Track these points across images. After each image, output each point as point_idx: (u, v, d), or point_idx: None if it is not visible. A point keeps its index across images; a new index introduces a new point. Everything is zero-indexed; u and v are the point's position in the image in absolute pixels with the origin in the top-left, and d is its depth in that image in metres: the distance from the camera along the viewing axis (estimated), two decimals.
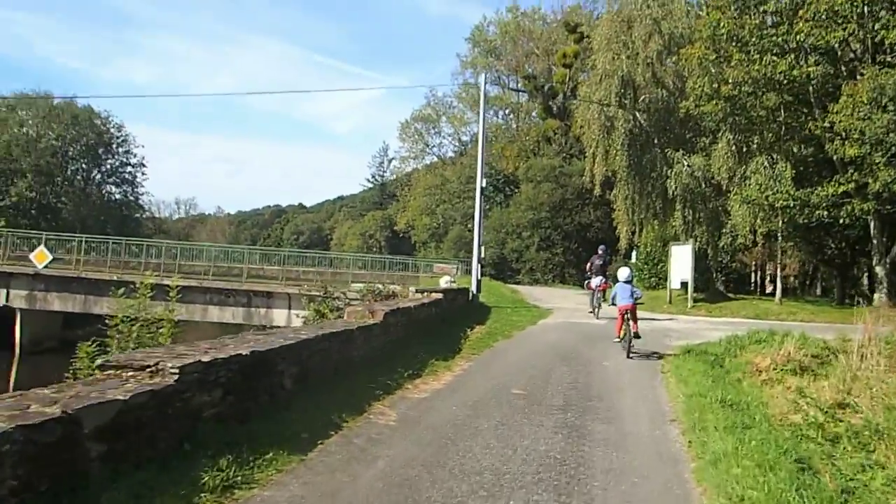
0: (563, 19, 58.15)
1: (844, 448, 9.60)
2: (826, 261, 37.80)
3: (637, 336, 15.06)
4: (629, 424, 8.65)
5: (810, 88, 27.32)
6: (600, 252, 24.76)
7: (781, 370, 13.86)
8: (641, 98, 31.19)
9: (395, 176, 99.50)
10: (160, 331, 15.58)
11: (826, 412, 10.90)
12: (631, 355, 14.52)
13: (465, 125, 68.92)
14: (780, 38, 26.55)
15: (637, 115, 30.91)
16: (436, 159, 74.71)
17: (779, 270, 29.73)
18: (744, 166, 28.97)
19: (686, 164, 29.57)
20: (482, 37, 65.42)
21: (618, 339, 15.57)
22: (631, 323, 14.94)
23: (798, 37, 25.47)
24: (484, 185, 23.19)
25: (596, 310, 23.03)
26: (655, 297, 34.05)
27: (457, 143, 71.56)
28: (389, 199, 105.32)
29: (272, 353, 7.71)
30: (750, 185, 28.09)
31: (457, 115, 68.19)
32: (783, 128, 28.77)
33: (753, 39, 26.81)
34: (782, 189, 27.21)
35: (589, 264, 24.15)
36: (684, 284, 30.80)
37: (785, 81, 26.69)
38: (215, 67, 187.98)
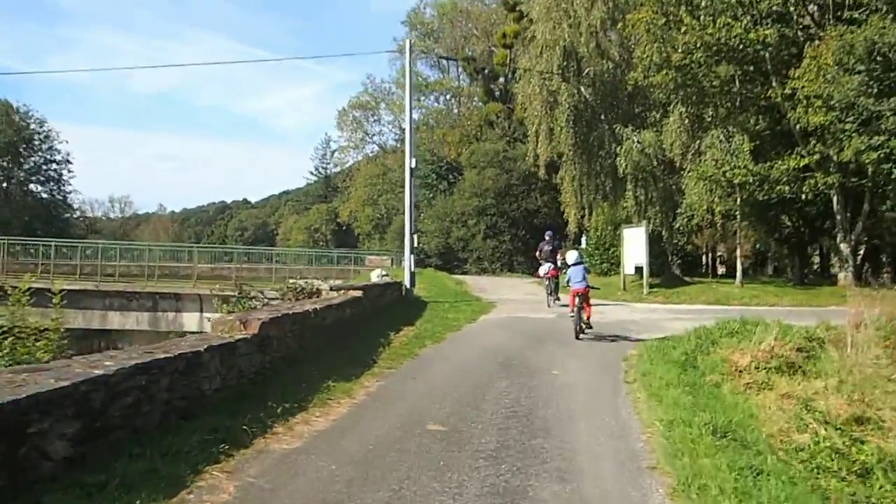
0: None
1: (881, 486, 7.01)
2: (782, 240, 35.95)
3: (589, 326, 14.63)
4: (590, 481, 5.81)
5: (767, 55, 25.08)
6: (547, 238, 22.90)
7: (765, 369, 11.36)
8: (586, 71, 28.62)
9: (338, 168, 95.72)
10: (38, 343, 13.11)
11: (842, 431, 8.31)
12: (581, 337, 14.20)
13: (404, 111, 65.55)
14: (733, 1, 24.19)
15: (582, 89, 28.34)
16: (377, 148, 71.47)
17: (739, 252, 27.45)
18: (698, 141, 26.66)
19: (636, 140, 27.08)
20: (419, 19, 62.30)
21: (571, 314, 14.70)
22: (584, 305, 14.53)
23: None
24: (413, 164, 20.27)
25: (548, 298, 20.50)
26: (608, 283, 31.54)
27: (397, 131, 68.34)
28: (334, 191, 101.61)
29: (25, 407, 4.72)
30: (705, 160, 25.80)
31: (396, 102, 64.88)
32: (738, 99, 26.54)
33: (705, 2, 24.42)
34: (740, 164, 24.98)
35: (538, 251, 22.49)
36: (639, 270, 28.35)
37: (740, 47, 24.38)
38: (155, 63, 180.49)
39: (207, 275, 31.45)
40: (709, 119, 26.54)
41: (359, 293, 13.83)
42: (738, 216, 27.21)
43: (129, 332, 25.22)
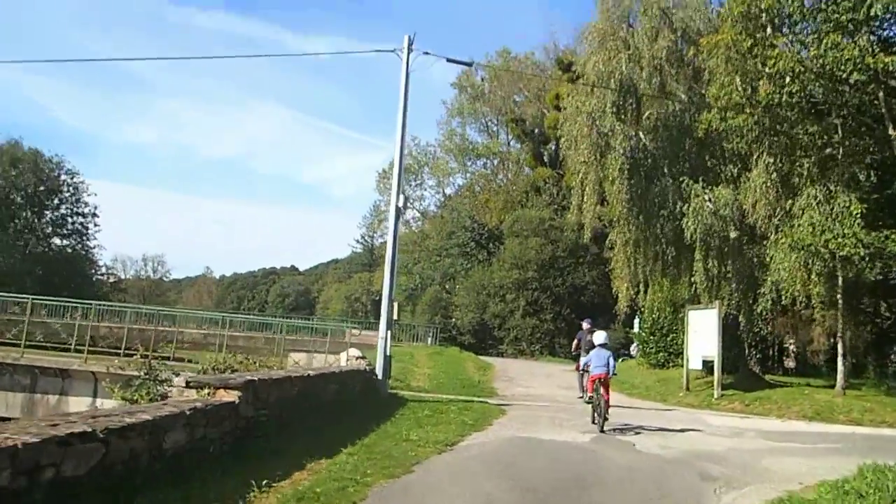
0: (555, 58, 50.20)
1: None
2: (882, 332, 28.65)
3: (606, 417, 12.48)
4: None
5: (882, 93, 18.85)
6: (586, 326, 18.76)
7: None
8: (647, 113, 22.56)
9: (384, 237, 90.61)
10: None
11: None
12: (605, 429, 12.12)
13: (448, 175, 60.43)
14: (843, 15, 18.02)
15: (641, 134, 22.25)
16: (417, 214, 66.13)
17: (841, 347, 20.41)
18: (790, 201, 20.15)
19: (708, 198, 20.73)
20: (469, 81, 57.46)
21: (586, 400, 13.72)
22: (602, 391, 12.69)
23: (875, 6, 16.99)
24: (401, 203, 14.27)
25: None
26: (665, 379, 24.77)
27: (441, 196, 63.05)
28: (378, 260, 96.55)
29: None
30: (800, 226, 19.23)
31: (440, 165, 59.74)
32: (841, 149, 20.06)
33: (806, 17, 18.38)
34: (846, 231, 18.38)
35: (576, 341, 18.53)
36: (706, 364, 21.63)
37: (853, 78, 18.16)
38: (220, 130, 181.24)
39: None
40: (804, 173, 20.07)
41: (233, 396, 7.58)
42: (841, 299, 20.34)
43: None
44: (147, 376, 13.41)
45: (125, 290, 76.00)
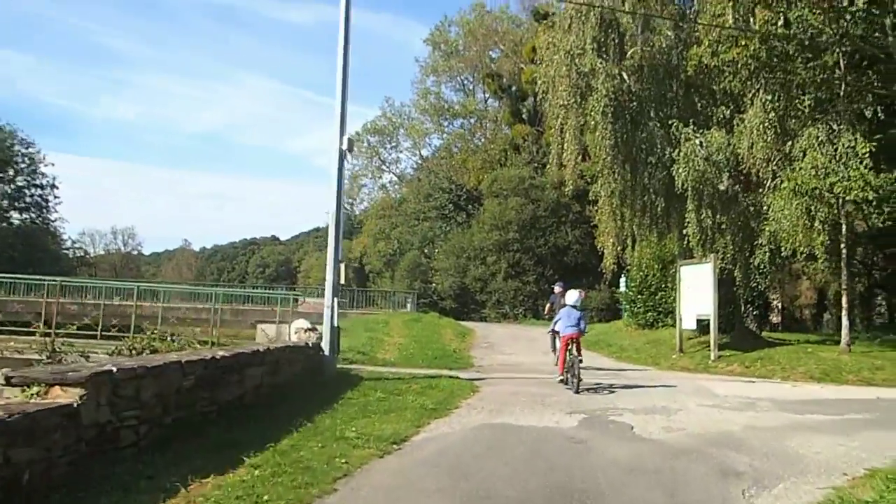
0: (531, 10, 47.37)
1: None
2: (882, 285, 26.87)
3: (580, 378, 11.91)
4: None
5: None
6: (558, 290, 17.38)
7: None
8: (630, 51, 20.19)
9: (364, 203, 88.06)
10: None
11: None
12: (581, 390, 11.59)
13: (425, 137, 57.69)
14: None
15: (624, 75, 19.86)
16: (394, 178, 63.50)
17: (845, 300, 18.36)
18: (789, 143, 17.99)
19: (699, 142, 18.52)
20: (443, 38, 54.39)
21: (560, 378, 12.43)
22: (574, 352, 12.16)
23: None
24: (346, 146, 11.79)
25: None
26: (656, 340, 22.78)
27: (418, 159, 60.33)
28: (359, 227, 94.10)
29: None
30: (802, 168, 17.11)
31: (415, 126, 57.00)
32: (842, 84, 17.88)
33: None
34: (853, 174, 16.33)
35: (549, 304, 17.24)
36: (701, 323, 19.60)
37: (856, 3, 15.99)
38: (202, 103, 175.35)
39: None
40: (804, 111, 17.87)
41: (71, 396, 5.19)
42: (845, 249, 18.30)
43: None
44: (50, 359, 11.12)
45: (93, 264, 72.75)
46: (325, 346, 11.51)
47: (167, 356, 8.13)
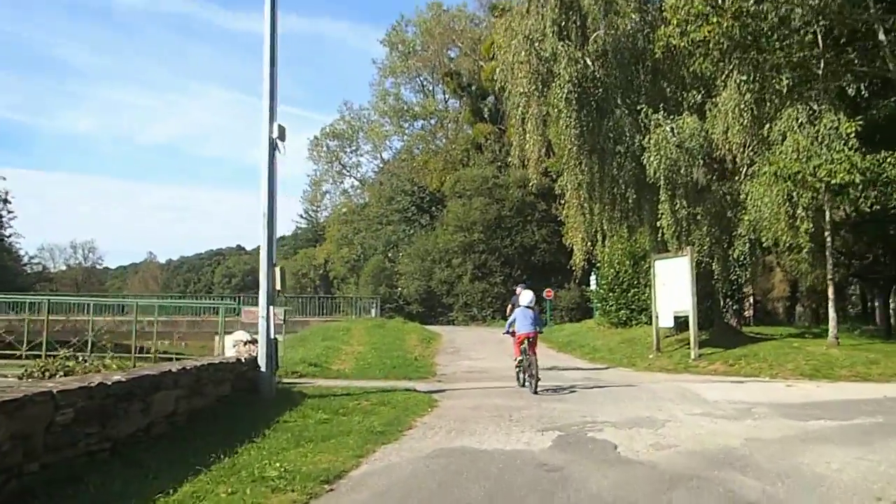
0: (489, 6, 46.09)
1: None
2: (860, 275, 25.94)
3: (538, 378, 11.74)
4: None
5: None
6: (519, 291, 15.17)
7: None
8: (593, 36, 18.91)
9: (328, 211, 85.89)
10: None
11: None
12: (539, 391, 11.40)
13: (385, 139, 56.04)
14: None
15: (588, 60, 18.55)
16: (355, 182, 61.74)
17: (832, 292, 17.23)
18: (767, 125, 16.81)
19: (670, 129, 17.27)
20: (399, 38, 52.89)
21: (516, 365, 12.51)
22: (529, 351, 12.03)
23: None
24: (276, 134, 10.17)
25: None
26: (630, 339, 21.52)
27: (379, 162, 58.64)
28: (322, 234, 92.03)
29: None
30: (783, 152, 15.96)
31: (375, 129, 55.33)
32: (821, 62, 16.81)
33: None
34: (836, 156, 15.24)
35: (510, 307, 15.16)
36: (679, 320, 18.36)
37: None
38: (161, 114, 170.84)
39: None
40: (782, 91, 16.71)
41: None
42: (829, 237, 17.18)
43: None
44: None
45: (51, 279, 69.74)
46: (262, 361, 9.90)
47: (41, 384, 6.49)
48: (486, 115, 46.14)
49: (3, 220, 55.36)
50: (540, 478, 6.17)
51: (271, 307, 10.04)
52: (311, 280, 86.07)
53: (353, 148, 58.49)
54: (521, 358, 12.26)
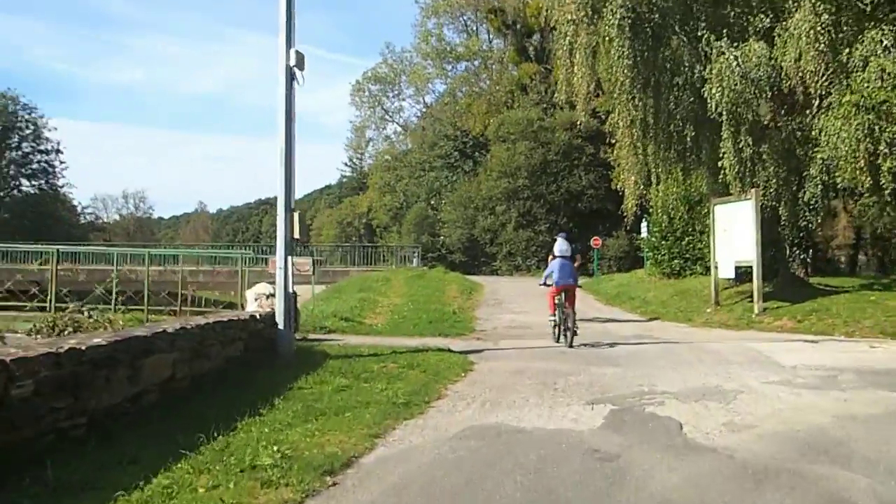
0: None
1: None
2: None
3: (575, 332, 11.11)
4: None
5: None
6: (560, 240, 14.02)
7: None
8: None
9: (373, 158, 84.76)
10: None
11: None
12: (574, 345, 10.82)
13: (428, 82, 54.18)
14: None
15: None
16: (398, 128, 60.23)
17: None
18: (846, 50, 14.89)
19: (735, 56, 15.44)
20: None
21: (552, 319, 11.68)
22: (566, 304, 11.30)
23: None
24: (293, 62, 8.89)
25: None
26: (684, 292, 20.08)
27: (422, 107, 56.92)
28: (367, 183, 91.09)
29: None
30: (866, 78, 14.12)
31: (418, 72, 53.52)
32: None
33: None
34: None
35: (551, 257, 13.89)
36: (740, 270, 16.88)
37: None
38: (202, 65, 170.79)
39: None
40: (867, 10, 14.74)
41: None
42: None
43: None
44: None
45: (103, 229, 70.44)
46: (279, 318, 8.88)
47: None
48: (531, 55, 44.03)
49: (56, 170, 55.75)
50: (591, 470, 4.99)
51: (289, 257, 8.97)
52: (355, 229, 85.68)
53: (396, 92, 56.89)
54: (555, 313, 11.66)
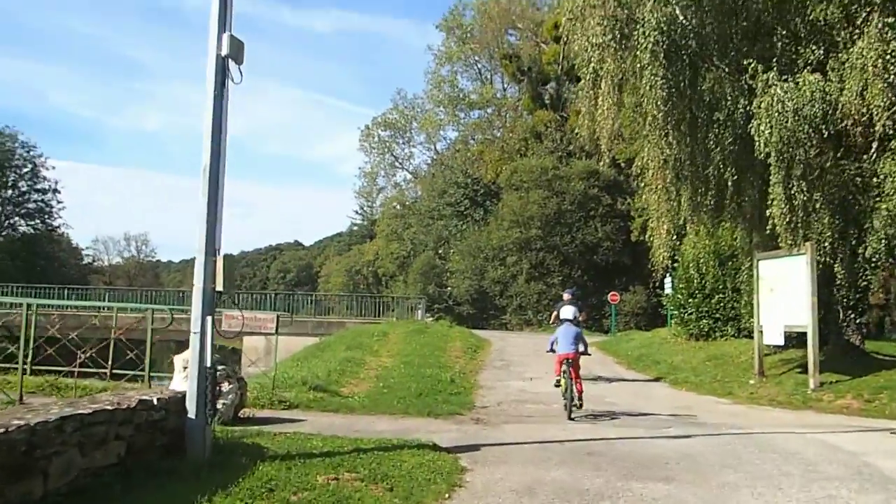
0: None
1: None
2: None
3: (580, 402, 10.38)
4: None
5: None
6: (567, 297, 14.18)
7: None
8: None
9: (383, 206, 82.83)
10: None
11: None
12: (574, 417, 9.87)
13: (439, 129, 52.21)
14: None
15: (677, 10, 14.40)
16: (408, 175, 58.16)
17: None
18: None
19: (785, 91, 13.00)
20: (456, 22, 49.00)
21: (557, 384, 10.68)
22: (571, 374, 10.33)
23: None
24: (226, 51, 6.68)
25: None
26: (717, 357, 17.32)
27: (433, 154, 54.90)
28: (375, 229, 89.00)
29: None
30: None
31: (429, 118, 51.61)
32: None
33: None
34: None
35: (554, 314, 13.72)
36: (790, 338, 14.17)
37: None
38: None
39: None
40: None
41: None
42: None
43: None
44: None
45: (100, 271, 68.02)
46: (191, 402, 6.28)
47: None
48: (546, 102, 42.07)
49: (53, 209, 53.89)
50: None
51: (209, 318, 6.38)
52: (363, 277, 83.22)
53: (406, 139, 54.96)
54: (559, 379, 10.58)
